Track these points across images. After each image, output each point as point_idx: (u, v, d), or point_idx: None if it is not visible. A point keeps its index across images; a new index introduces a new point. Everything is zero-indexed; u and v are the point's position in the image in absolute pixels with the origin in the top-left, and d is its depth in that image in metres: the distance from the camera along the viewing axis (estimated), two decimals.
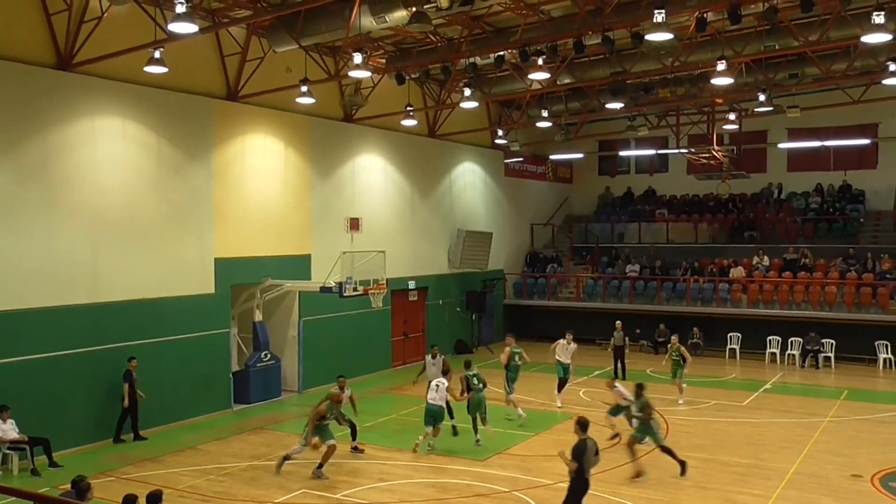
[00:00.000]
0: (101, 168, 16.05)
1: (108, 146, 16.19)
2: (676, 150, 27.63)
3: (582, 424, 10.08)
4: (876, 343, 24.08)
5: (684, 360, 19.34)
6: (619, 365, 22.17)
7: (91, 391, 15.68)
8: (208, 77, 18.48)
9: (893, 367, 23.68)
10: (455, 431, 15.98)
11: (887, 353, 23.84)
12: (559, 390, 18.90)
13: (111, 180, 16.23)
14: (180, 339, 17.53)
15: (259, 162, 19.70)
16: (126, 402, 15.65)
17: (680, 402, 19.07)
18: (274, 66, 19.35)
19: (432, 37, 19.63)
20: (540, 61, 17.05)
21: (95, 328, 15.80)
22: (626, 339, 22.66)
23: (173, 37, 14.99)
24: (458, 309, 27.38)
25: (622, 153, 32.79)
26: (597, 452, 10.07)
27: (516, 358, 17.75)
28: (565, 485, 12.83)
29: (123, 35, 15.64)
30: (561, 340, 18.97)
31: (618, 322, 22.49)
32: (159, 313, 17.05)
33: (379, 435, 15.79)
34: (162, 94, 17.18)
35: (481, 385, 15.48)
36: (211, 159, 18.39)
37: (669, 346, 20.09)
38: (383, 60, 21.14)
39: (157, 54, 14.84)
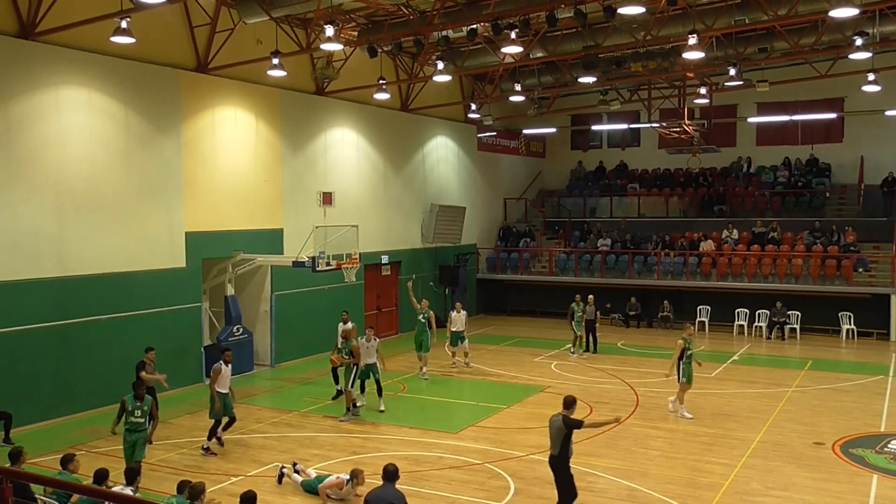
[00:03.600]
0: (67, 140, 15.77)
1: (73, 118, 15.90)
2: (648, 125, 27.78)
3: (565, 402, 10.08)
4: (839, 314, 24.63)
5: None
6: (590, 338, 22.43)
7: (58, 365, 15.54)
8: (177, 48, 18.16)
9: (855, 337, 24.24)
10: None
11: (850, 324, 24.38)
12: None
13: (77, 152, 15.96)
14: (151, 313, 17.41)
15: (229, 135, 19.48)
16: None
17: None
18: (244, 38, 19.07)
19: (404, 9, 19.43)
20: (512, 35, 16.97)
21: (62, 302, 15.63)
22: (598, 312, 22.89)
23: (140, 6, 14.74)
24: (432, 283, 27.44)
25: (594, 127, 32.89)
26: (558, 429, 9.88)
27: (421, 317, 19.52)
28: (537, 457, 13.12)
29: (89, 3, 15.31)
30: None
31: (590, 296, 22.70)
32: (129, 287, 16.90)
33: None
34: (129, 65, 16.87)
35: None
36: (180, 132, 18.14)
37: (685, 339, 15.65)
38: (355, 33, 20.91)
39: (123, 24, 14.51)
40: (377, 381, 16.10)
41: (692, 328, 16.73)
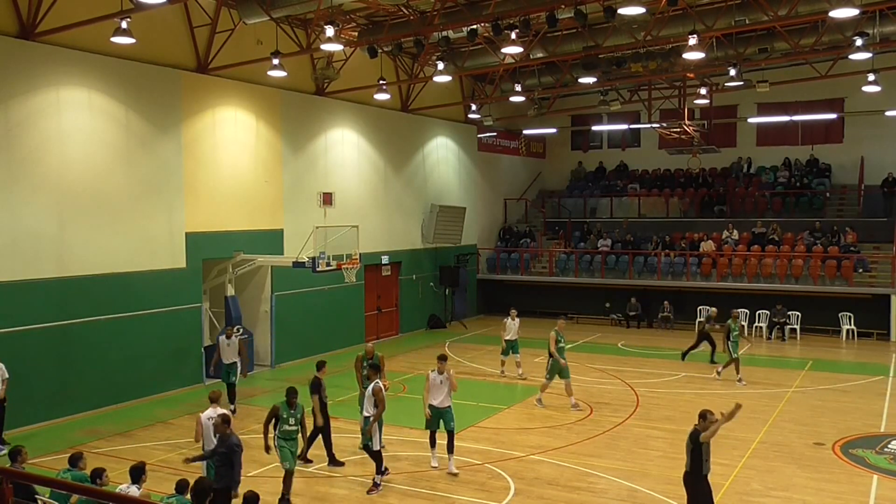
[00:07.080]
0: (68, 140, 15.78)
1: (74, 118, 15.91)
2: (648, 125, 27.78)
3: (700, 415, 9.63)
4: (839, 314, 24.63)
5: None
6: (701, 344, 21.14)
7: (58, 366, 15.54)
8: (177, 49, 18.17)
9: (856, 337, 24.23)
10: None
11: (850, 325, 24.38)
12: None
13: (78, 153, 15.96)
14: (151, 313, 17.41)
15: (230, 135, 19.48)
16: (319, 419, 12.92)
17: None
18: (244, 39, 19.08)
19: (404, 9, 19.43)
20: (513, 35, 16.98)
21: (62, 303, 15.63)
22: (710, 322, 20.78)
23: (141, 6, 14.74)
24: (432, 284, 27.45)
25: (594, 128, 32.87)
26: (686, 443, 9.43)
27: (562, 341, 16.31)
28: (537, 457, 13.12)
29: (89, 4, 15.32)
30: None
31: (712, 309, 21.45)
32: (129, 288, 16.90)
33: (351, 409, 15.85)
34: (129, 66, 16.88)
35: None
36: (180, 132, 18.15)
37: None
38: (355, 33, 20.92)
39: (124, 24, 14.52)
40: (450, 433, 12.39)
41: None
